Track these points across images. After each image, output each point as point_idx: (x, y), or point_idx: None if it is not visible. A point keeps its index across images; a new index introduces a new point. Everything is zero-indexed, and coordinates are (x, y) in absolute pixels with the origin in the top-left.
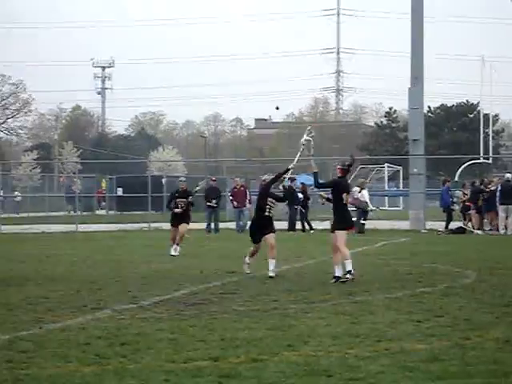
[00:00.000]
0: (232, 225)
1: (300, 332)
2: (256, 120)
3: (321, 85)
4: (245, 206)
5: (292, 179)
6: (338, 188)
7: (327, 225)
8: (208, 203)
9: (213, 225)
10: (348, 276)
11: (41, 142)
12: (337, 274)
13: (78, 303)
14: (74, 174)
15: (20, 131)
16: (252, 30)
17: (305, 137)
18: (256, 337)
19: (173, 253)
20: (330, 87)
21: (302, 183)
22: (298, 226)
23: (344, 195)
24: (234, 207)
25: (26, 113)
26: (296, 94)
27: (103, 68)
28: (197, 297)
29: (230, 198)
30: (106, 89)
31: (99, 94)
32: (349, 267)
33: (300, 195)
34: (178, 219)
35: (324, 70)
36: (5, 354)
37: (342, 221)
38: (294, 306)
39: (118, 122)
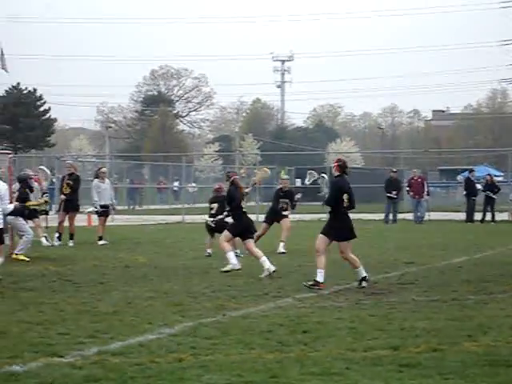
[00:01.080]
0: (410, 216)
1: (479, 322)
2: (433, 111)
3: (499, 76)
4: (422, 196)
5: (471, 170)
6: (340, 190)
7: (504, 216)
8: (388, 194)
9: (391, 215)
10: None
11: (222, 135)
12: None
13: (260, 291)
14: (255, 165)
15: (202, 124)
16: (428, 23)
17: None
18: (435, 327)
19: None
20: (509, 78)
21: (489, 174)
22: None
23: (345, 197)
24: (412, 198)
25: (208, 106)
26: (474, 86)
27: (282, 62)
28: (376, 286)
29: (407, 188)
30: (285, 82)
31: (279, 87)
32: (362, 273)
33: (478, 186)
34: (275, 215)
35: (502, 62)
36: (190, 340)
37: (343, 229)
38: (473, 296)
39: (297, 115)
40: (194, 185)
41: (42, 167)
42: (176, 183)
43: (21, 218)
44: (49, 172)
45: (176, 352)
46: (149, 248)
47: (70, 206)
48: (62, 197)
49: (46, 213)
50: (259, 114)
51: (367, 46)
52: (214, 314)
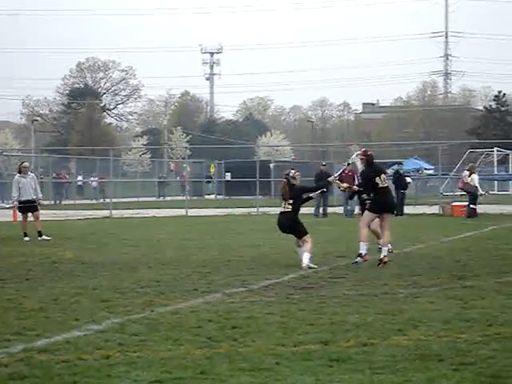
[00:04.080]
0: (340, 209)
1: (410, 316)
2: (363, 104)
3: (429, 68)
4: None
5: (399, 163)
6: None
7: (435, 209)
8: None
9: (321, 209)
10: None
11: (150, 128)
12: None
13: (189, 287)
14: (184, 159)
15: (130, 117)
16: (360, 14)
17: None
18: (366, 321)
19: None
20: (439, 71)
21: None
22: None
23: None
24: (342, 192)
25: (135, 99)
26: (404, 78)
27: (211, 54)
28: (306, 281)
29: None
30: (215, 75)
31: (208, 79)
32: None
33: (409, 179)
34: None
35: (432, 54)
36: (117, 336)
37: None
38: (403, 290)
39: (227, 108)
40: (96, 179)
41: None
42: (80, 177)
43: None
44: None
45: (103, 349)
46: (76, 243)
47: None
48: None
49: None
50: (188, 106)
51: (296, 38)
52: (142, 310)
